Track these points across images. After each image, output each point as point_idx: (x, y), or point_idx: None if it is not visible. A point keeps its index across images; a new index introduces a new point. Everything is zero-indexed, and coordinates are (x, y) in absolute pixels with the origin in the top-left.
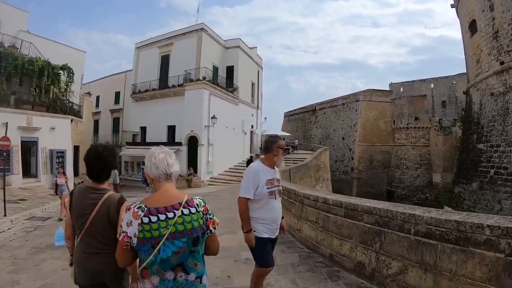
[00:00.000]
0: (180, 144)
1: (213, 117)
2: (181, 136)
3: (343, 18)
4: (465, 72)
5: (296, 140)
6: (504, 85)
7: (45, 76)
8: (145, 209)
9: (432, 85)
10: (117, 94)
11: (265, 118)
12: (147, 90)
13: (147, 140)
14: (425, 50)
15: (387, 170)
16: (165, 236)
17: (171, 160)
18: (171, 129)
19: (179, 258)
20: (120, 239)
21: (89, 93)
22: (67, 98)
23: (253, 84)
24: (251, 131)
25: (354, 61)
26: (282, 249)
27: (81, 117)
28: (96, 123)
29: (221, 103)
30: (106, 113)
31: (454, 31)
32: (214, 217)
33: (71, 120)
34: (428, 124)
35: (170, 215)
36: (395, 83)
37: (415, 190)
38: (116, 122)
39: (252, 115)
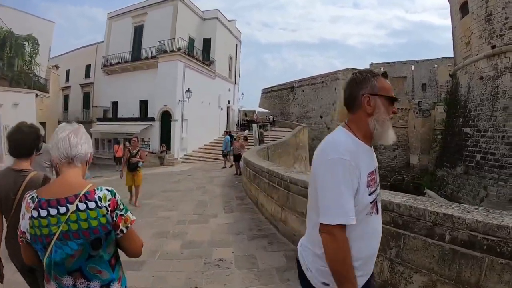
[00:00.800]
0: (152, 119)
1: (188, 91)
2: (154, 111)
3: None
4: (447, 56)
5: (271, 116)
6: (494, 69)
7: (8, 47)
8: (36, 200)
9: (413, 68)
10: (88, 68)
11: (243, 94)
12: (118, 63)
13: (119, 115)
14: (405, 34)
15: None
16: (56, 236)
17: (76, 139)
18: (144, 104)
19: (75, 262)
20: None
21: (56, 66)
22: (32, 71)
23: (230, 58)
24: (228, 107)
25: (333, 40)
26: (263, 245)
27: (47, 92)
28: (66, 98)
29: (197, 76)
30: (76, 88)
31: (435, 17)
32: (128, 213)
33: (36, 95)
34: (407, 106)
35: (62, 210)
36: (376, 63)
37: (392, 171)
38: (86, 97)
39: (229, 90)
